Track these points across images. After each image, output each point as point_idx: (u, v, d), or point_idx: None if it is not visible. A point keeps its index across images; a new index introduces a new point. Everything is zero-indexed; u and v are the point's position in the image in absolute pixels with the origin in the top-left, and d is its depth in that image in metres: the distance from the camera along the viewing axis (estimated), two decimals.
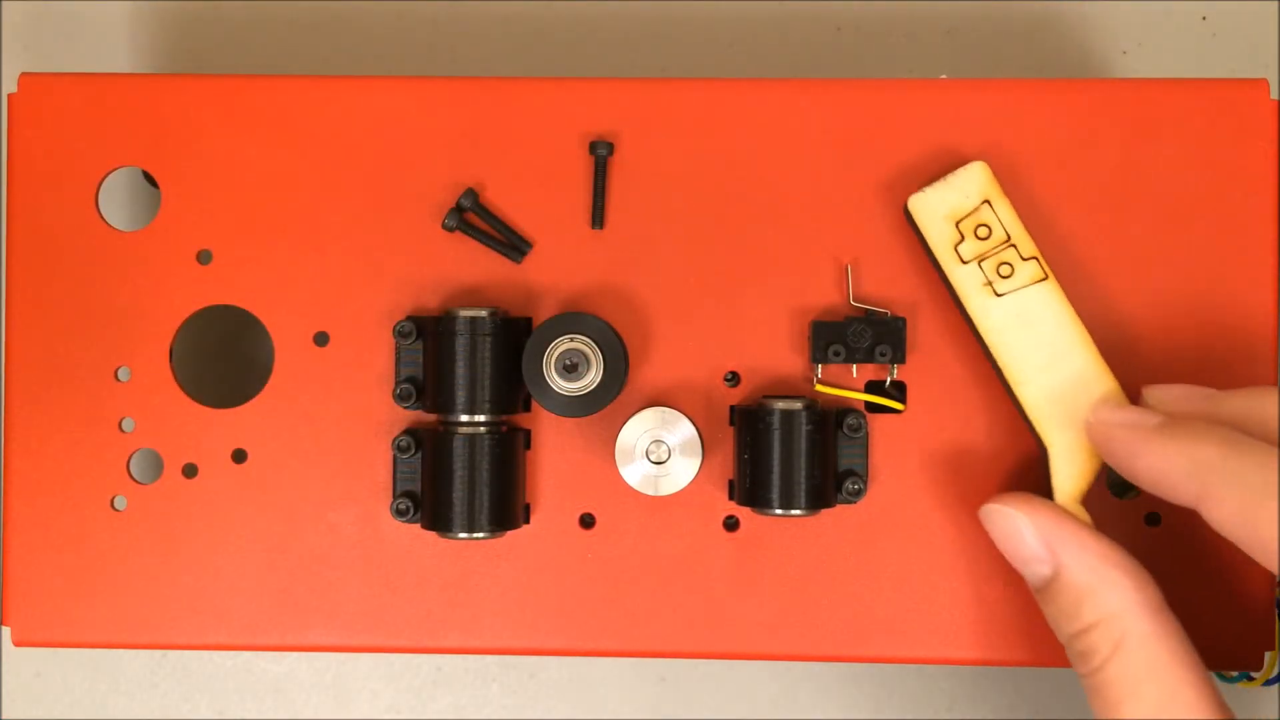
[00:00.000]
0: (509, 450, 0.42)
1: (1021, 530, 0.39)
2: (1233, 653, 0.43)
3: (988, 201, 0.41)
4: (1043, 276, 0.41)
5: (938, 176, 0.42)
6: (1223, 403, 0.39)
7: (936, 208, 0.41)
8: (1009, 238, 0.41)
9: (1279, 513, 0.34)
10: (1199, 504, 0.36)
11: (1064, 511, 0.40)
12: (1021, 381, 0.41)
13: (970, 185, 0.41)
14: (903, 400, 0.43)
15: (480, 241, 0.44)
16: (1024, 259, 0.41)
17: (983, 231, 0.41)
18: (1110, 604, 0.37)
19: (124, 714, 0.53)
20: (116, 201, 0.50)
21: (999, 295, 0.41)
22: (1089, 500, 0.43)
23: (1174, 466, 0.37)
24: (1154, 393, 0.40)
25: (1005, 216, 0.41)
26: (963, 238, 0.41)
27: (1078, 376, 0.41)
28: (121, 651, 0.53)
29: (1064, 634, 0.39)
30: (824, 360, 0.43)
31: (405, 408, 0.43)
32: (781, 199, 0.43)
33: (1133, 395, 0.43)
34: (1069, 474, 0.41)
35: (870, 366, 0.43)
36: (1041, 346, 0.41)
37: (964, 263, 0.41)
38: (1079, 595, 0.38)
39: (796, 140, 0.43)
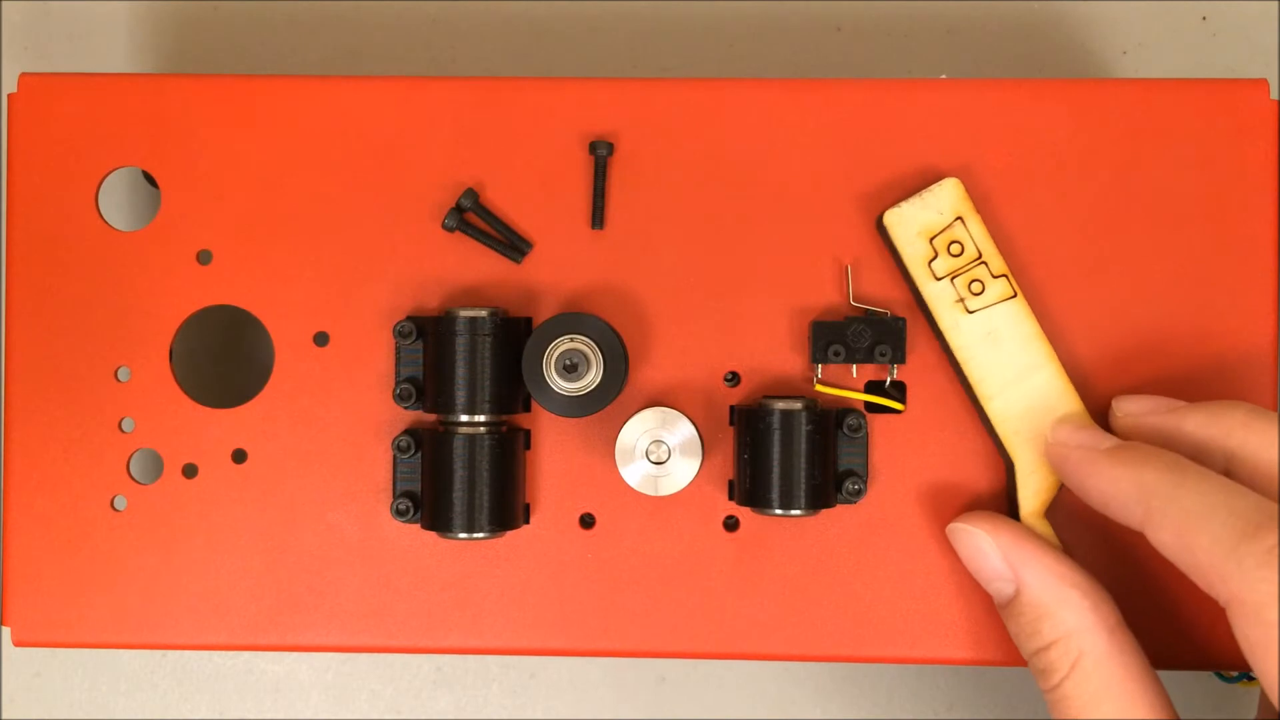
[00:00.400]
0: (509, 450, 0.42)
1: (985, 549, 0.40)
2: (1233, 653, 0.43)
3: (961, 218, 0.42)
4: (1011, 294, 0.41)
5: (922, 186, 0.42)
6: (1185, 417, 0.39)
7: (910, 223, 0.42)
8: (980, 255, 0.42)
9: (1214, 538, 0.35)
10: (1143, 527, 0.37)
11: (1026, 531, 0.41)
12: (989, 397, 0.42)
13: (944, 202, 0.42)
14: (903, 400, 0.43)
15: (480, 241, 0.44)
16: (994, 276, 0.42)
17: (955, 248, 0.42)
18: (1068, 623, 0.38)
19: (124, 714, 0.53)
20: (116, 201, 0.50)
21: (970, 312, 0.42)
22: (1083, 507, 0.43)
23: (1120, 490, 0.38)
24: (1122, 404, 0.41)
25: (977, 233, 0.42)
26: (936, 254, 0.42)
27: (1042, 394, 0.41)
28: (121, 651, 0.53)
29: (1026, 651, 0.40)
30: (824, 360, 0.43)
31: (405, 408, 0.43)
32: (782, 199, 0.43)
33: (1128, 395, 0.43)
34: (1033, 489, 0.42)
35: (870, 366, 0.43)
36: (1008, 363, 0.41)
37: (936, 279, 0.42)
38: (1038, 613, 0.39)
39: (797, 140, 0.43)
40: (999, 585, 0.40)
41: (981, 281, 0.41)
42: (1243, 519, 0.34)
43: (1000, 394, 0.42)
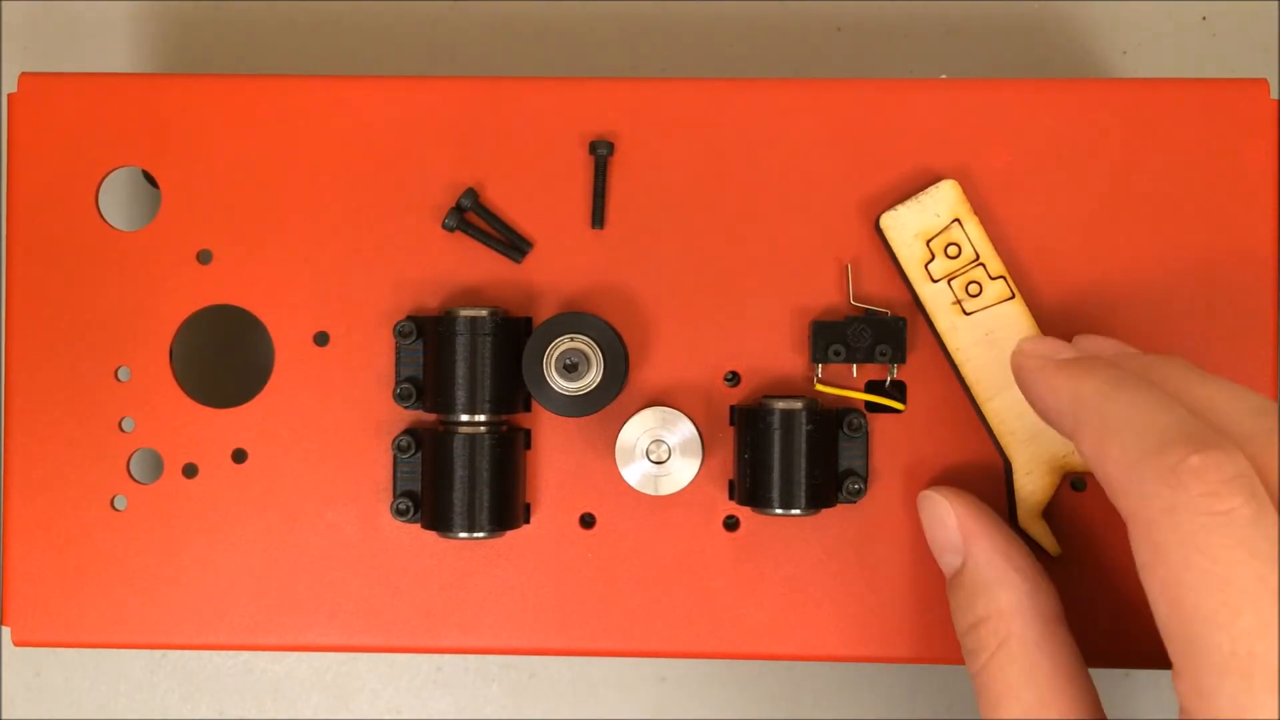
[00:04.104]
0: (509, 450, 0.42)
1: (943, 519, 0.40)
2: None
3: (958, 220, 0.42)
4: (1009, 295, 0.42)
5: (922, 187, 0.42)
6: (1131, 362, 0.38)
7: (907, 226, 0.42)
8: (978, 256, 0.42)
9: (1123, 449, 0.33)
10: (1072, 438, 0.36)
11: (987, 510, 0.40)
12: (986, 398, 0.42)
13: (941, 204, 0.42)
14: (903, 400, 0.43)
15: (480, 241, 0.44)
16: (992, 278, 0.42)
17: (953, 250, 0.42)
18: (1001, 602, 0.38)
19: (124, 714, 0.53)
20: (116, 201, 0.50)
21: (967, 314, 0.42)
22: (1082, 509, 0.43)
23: (1057, 399, 0.37)
24: (1081, 340, 0.40)
25: (974, 235, 0.42)
26: (933, 256, 0.42)
27: None
28: (121, 651, 0.53)
29: (959, 628, 0.39)
30: (824, 360, 0.43)
31: (405, 408, 0.43)
32: (782, 199, 0.44)
33: None
34: (1030, 489, 0.42)
35: (870, 366, 0.43)
36: (1005, 364, 0.41)
37: (933, 281, 0.42)
38: (976, 589, 0.39)
39: (797, 140, 0.44)
40: (949, 557, 0.40)
41: (979, 283, 0.42)
42: (1156, 433, 0.33)
43: (998, 395, 0.42)
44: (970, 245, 0.42)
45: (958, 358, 0.42)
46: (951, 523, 0.40)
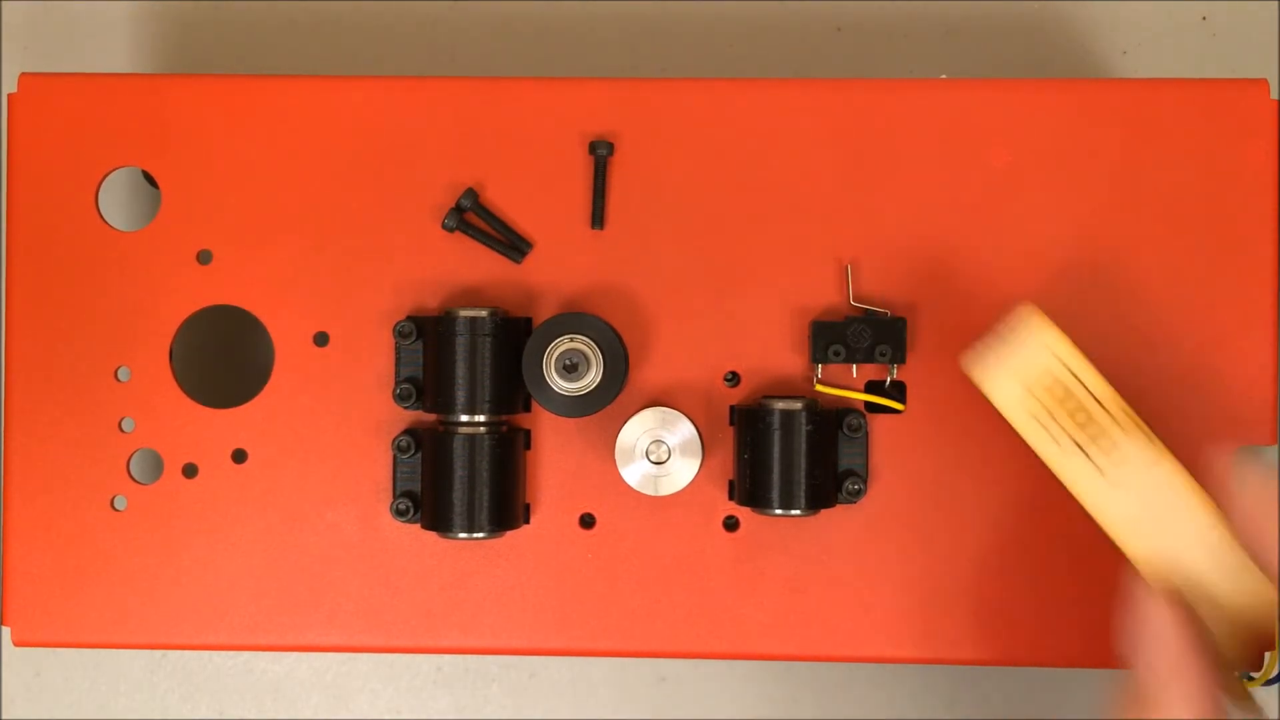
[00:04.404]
0: (509, 450, 0.42)
1: (1166, 640, 0.36)
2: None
3: (1056, 356, 0.38)
4: (1154, 455, 0.37)
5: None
6: None
7: (998, 371, 0.38)
8: (1096, 399, 0.37)
9: None
10: None
11: (1208, 643, 0.36)
12: (1159, 576, 0.37)
13: (1028, 340, 0.37)
14: (903, 400, 0.43)
15: (480, 241, 0.44)
16: (1121, 429, 0.37)
17: (1058, 390, 0.37)
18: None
19: (124, 714, 0.53)
20: (116, 201, 0.50)
21: (1111, 483, 0.37)
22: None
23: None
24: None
25: (1080, 370, 0.37)
26: (1037, 401, 0.37)
27: (1213, 562, 0.37)
28: (121, 651, 0.53)
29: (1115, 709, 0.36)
30: (824, 360, 0.43)
31: (405, 408, 0.43)
32: (782, 199, 0.44)
33: (1129, 396, 0.43)
34: (1230, 658, 0.38)
35: (870, 366, 0.43)
36: (1171, 535, 0.37)
37: (1061, 447, 0.37)
38: (1138, 702, 0.35)
39: (796, 140, 0.44)
40: (1137, 661, 0.36)
41: (1103, 430, 0.37)
42: None
43: (1172, 567, 0.37)
44: (1081, 386, 0.37)
45: (1115, 534, 0.37)
46: (1172, 649, 0.35)
